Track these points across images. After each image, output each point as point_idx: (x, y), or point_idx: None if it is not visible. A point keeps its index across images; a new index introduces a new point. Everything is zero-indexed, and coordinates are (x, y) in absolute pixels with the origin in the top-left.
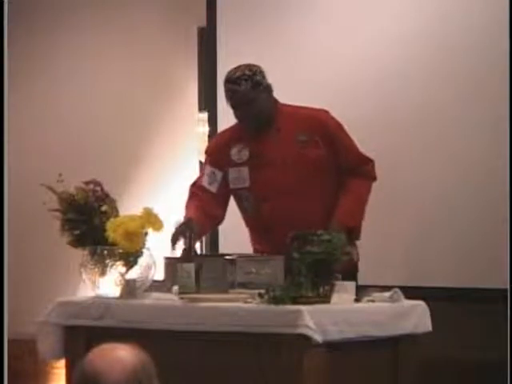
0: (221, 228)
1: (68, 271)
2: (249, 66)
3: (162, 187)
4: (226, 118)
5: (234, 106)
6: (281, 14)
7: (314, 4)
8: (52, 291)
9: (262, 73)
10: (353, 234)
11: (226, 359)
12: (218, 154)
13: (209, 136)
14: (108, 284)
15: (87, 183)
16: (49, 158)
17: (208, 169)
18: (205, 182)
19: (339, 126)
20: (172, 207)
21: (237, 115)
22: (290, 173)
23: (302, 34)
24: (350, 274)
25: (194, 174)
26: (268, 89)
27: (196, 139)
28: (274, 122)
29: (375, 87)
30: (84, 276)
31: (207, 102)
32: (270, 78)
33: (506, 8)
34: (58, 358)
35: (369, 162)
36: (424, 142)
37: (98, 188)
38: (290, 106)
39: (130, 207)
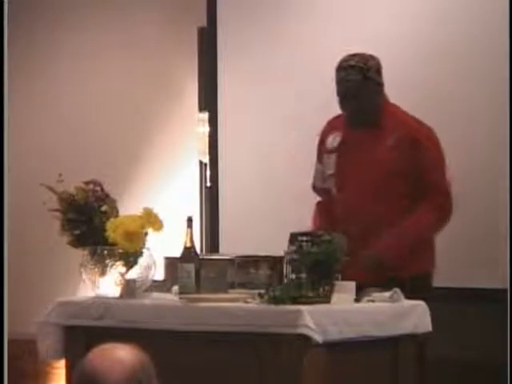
0: (221, 228)
1: (68, 271)
2: (365, 58)
3: (162, 187)
4: (226, 118)
5: (339, 95)
6: (281, 14)
7: (313, 4)
8: (52, 291)
9: (377, 67)
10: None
11: (226, 359)
12: (318, 147)
13: (209, 136)
14: (108, 284)
15: (87, 183)
16: (49, 158)
17: (316, 166)
18: (318, 182)
19: (434, 141)
20: (172, 207)
21: (341, 106)
22: (369, 170)
23: (302, 34)
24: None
25: (194, 174)
26: (379, 86)
27: (196, 139)
28: (378, 119)
29: None
30: (84, 276)
31: (207, 102)
32: (270, 78)
33: (506, 7)
34: (58, 358)
35: (446, 194)
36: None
37: (98, 188)
38: (396, 106)
39: (130, 207)
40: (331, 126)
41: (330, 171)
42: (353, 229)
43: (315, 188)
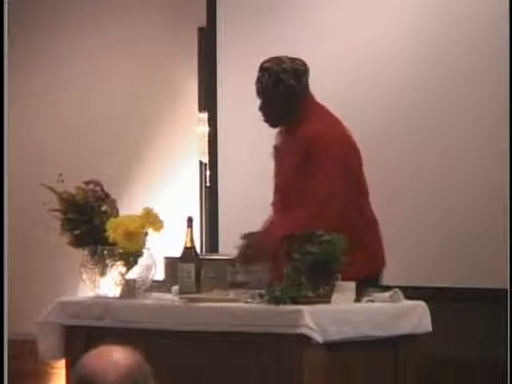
0: (221, 228)
1: (68, 271)
2: (283, 61)
3: (162, 187)
4: (226, 118)
5: (256, 94)
6: (280, 13)
7: (313, 4)
8: (52, 291)
9: (293, 71)
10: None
11: (226, 359)
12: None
13: (209, 136)
14: (108, 284)
15: (87, 183)
16: (49, 158)
17: None
18: None
19: (322, 150)
20: (172, 207)
21: (259, 107)
22: (279, 177)
23: (302, 34)
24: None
25: (194, 174)
26: (292, 89)
27: (196, 139)
28: (294, 123)
29: (374, 87)
30: (84, 276)
31: (207, 102)
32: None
33: (506, 7)
34: (58, 358)
35: (307, 206)
36: (423, 142)
37: (98, 188)
38: (319, 109)
39: (130, 207)
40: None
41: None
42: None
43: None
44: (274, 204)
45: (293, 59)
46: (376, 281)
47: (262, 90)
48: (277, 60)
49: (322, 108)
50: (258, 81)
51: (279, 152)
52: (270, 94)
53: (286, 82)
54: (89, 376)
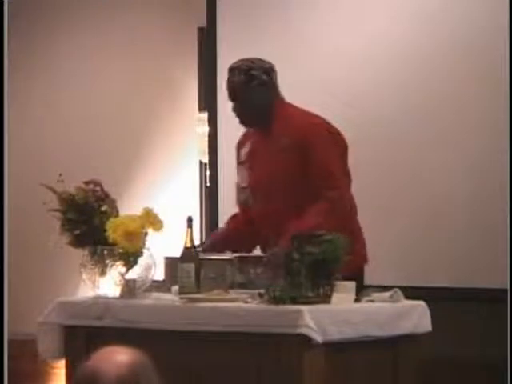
0: (220, 228)
1: (68, 271)
2: (251, 60)
3: (162, 187)
4: (226, 118)
5: (228, 97)
6: (280, 13)
7: (313, 4)
8: (52, 291)
9: (263, 68)
10: None
11: (226, 359)
12: (236, 153)
13: (208, 136)
14: (108, 284)
15: (87, 183)
16: (49, 158)
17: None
18: (236, 195)
19: (322, 138)
20: (172, 207)
21: (232, 108)
22: (269, 176)
23: (302, 34)
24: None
25: (193, 174)
26: (265, 85)
27: (196, 139)
28: (269, 121)
29: (375, 87)
30: (84, 276)
31: (207, 102)
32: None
33: (506, 7)
34: (58, 358)
35: (336, 188)
36: (424, 142)
37: (98, 188)
38: (290, 107)
39: (130, 207)
40: (245, 137)
41: (244, 184)
42: (271, 236)
43: (237, 203)
44: (253, 205)
45: (260, 59)
46: (360, 278)
47: (234, 90)
48: (244, 60)
49: (294, 106)
50: (229, 81)
51: (256, 154)
52: (244, 93)
53: (258, 77)
54: (93, 376)
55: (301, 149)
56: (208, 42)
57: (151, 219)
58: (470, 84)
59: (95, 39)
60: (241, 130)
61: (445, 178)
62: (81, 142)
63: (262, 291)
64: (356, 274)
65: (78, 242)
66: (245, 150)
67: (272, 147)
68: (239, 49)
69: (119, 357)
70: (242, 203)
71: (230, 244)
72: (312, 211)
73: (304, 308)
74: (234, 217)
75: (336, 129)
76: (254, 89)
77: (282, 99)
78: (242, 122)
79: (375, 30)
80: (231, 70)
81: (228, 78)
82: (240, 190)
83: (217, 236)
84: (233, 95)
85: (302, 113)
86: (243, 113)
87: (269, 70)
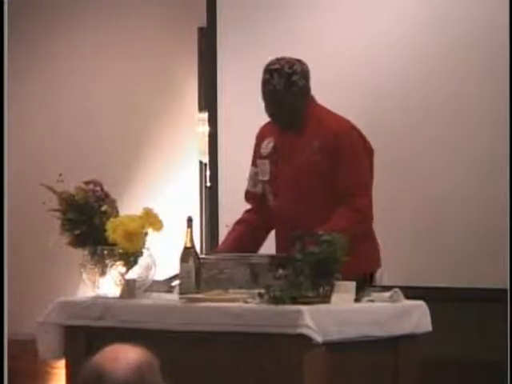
0: (221, 228)
1: (68, 271)
2: (291, 62)
3: (162, 187)
4: (226, 118)
5: (264, 99)
6: (280, 14)
7: (313, 4)
8: (52, 291)
9: (302, 72)
10: None
11: (226, 359)
12: (254, 150)
13: (209, 136)
14: (108, 284)
15: (87, 183)
16: (49, 158)
17: (250, 169)
18: (250, 186)
19: (355, 144)
20: (172, 207)
21: (266, 109)
22: (296, 175)
23: (302, 34)
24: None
25: (193, 174)
26: (303, 91)
27: (196, 139)
28: (302, 122)
29: (375, 87)
30: (84, 276)
31: (207, 102)
32: None
33: (506, 7)
34: (58, 358)
35: (367, 196)
36: (424, 142)
37: (98, 188)
38: (322, 109)
39: (130, 207)
40: (266, 130)
41: (265, 177)
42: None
43: (247, 194)
44: (273, 201)
45: (298, 60)
46: (370, 279)
47: (272, 94)
48: (285, 61)
49: (324, 107)
50: (267, 83)
51: (283, 151)
52: (283, 98)
53: (298, 83)
54: (98, 373)
55: (332, 153)
56: (208, 42)
57: (151, 219)
58: (470, 84)
59: (95, 39)
60: (241, 130)
61: (444, 178)
62: (81, 142)
63: (261, 291)
64: (367, 277)
65: (78, 242)
66: (268, 144)
67: (302, 147)
68: (239, 49)
69: (125, 355)
70: (256, 195)
71: (245, 243)
72: (341, 215)
73: (304, 308)
74: (249, 211)
75: (362, 133)
76: (294, 94)
77: (313, 99)
78: (274, 121)
79: (375, 30)
80: (270, 71)
81: (266, 80)
82: (256, 181)
83: (235, 234)
84: (271, 99)
85: (333, 116)
86: (279, 116)
87: (307, 74)
